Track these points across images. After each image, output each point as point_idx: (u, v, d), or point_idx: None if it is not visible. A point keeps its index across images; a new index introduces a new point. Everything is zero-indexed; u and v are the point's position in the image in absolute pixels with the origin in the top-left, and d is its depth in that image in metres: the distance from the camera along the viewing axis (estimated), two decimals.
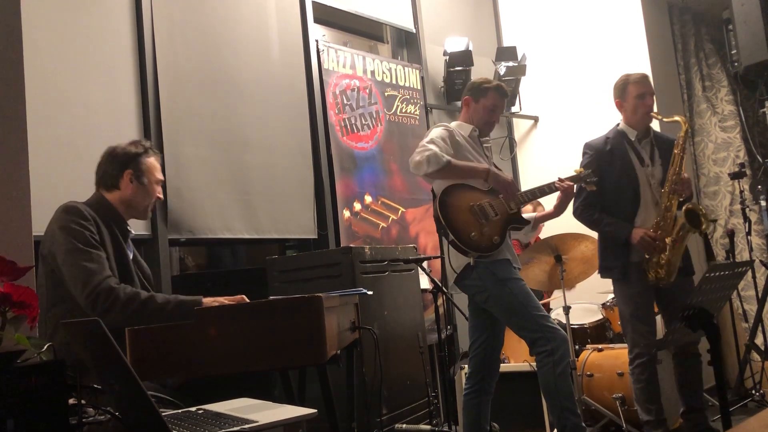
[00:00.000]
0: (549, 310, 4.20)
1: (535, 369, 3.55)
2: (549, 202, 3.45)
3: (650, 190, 3.31)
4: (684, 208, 3.18)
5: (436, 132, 3.03)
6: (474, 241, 2.88)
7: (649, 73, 4.79)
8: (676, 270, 3.22)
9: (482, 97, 3.12)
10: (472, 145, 3.08)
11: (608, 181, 3.31)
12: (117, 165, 2.44)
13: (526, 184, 5.09)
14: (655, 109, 3.39)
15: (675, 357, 3.35)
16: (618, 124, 3.43)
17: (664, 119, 3.38)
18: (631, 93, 3.35)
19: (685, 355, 3.30)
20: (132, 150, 2.48)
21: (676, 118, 3.32)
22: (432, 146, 2.90)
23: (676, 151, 3.25)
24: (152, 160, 2.48)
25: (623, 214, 3.30)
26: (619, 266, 3.29)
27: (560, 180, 3.09)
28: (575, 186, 3.16)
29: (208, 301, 2.26)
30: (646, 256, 3.22)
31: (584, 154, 3.42)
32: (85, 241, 2.22)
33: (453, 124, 3.15)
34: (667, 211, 3.23)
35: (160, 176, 2.51)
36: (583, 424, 2.86)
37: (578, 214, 3.39)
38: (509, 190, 2.98)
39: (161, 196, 2.53)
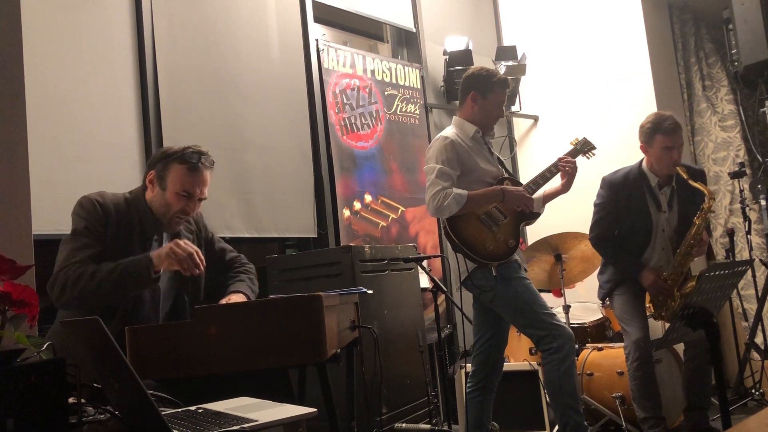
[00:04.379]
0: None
1: (535, 368, 3.57)
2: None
3: (662, 234, 3.34)
4: (700, 274, 3.21)
5: (437, 155, 2.91)
6: (491, 251, 2.88)
7: (649, 73, 4.84)
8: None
9: (491, 92, 3.01)
10: (476, 149, 3.00)
11: (623, 220, 3.36)
12: (149, 162, 2.37)
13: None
14: (681, 162, 3.27)
15: (687, 352, 3.36)
16: (641, 162, 3.38)
17: (690, 181, 3.17)
18: (658, 143, 3.23)
19: (699, 353, 3.28)
20: (169, 151, 2.33)
21: (700, 187, 3.18)
22: (444, 184, 2.84)
23: (697, 222, 3.20)
24: (182, 168, 2.27)
25: (632, 251, 3.36)
26: (609, 287, 3.43)
27: (561, 159, 3.06)
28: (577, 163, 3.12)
29: (156, 255, 2.15)
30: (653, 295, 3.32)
31: (601, 188, 3.43)
32: (79, 229, 2.18)
33: (453, 128, 3.05)
34: (680, 267, 3.27)
35: (187, 188, 2.28)
36: (586, 423, 2.86)
37: (594, 244, 3.46)
38: (523, 202, 2.93)
39: (189, 210, 2.31)
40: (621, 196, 3.33)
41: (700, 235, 3.24)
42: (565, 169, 3.04)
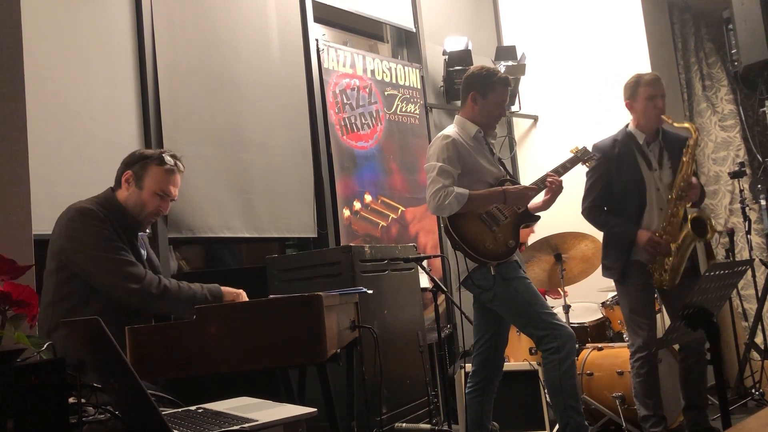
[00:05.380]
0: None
1: (535, 368, 3.57)
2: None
3: (657, 194, 3.32)
4: (690, 216, 3.19)
5: (438, 153, 2.92)
6: (490, 250, 2.88)
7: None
8: (680, 275, 3.23)
9: (491, 92, 3.01)
10: (477, 149, 3.01)
11: (615, 185, 3.35)
12: (125, 163, 2.44)
13: (525, 183, 5.09)
14: (666, 112, 3.33)
15: (680, 352, 3.36)
16: (627, 125, 3.41)
17: (675, 124, 3.30)
18: (641, 94, 3.31)
19: (691, 352, 3.29)
20: (147, 153, 2.45)
21: (686, 125, 3.29)
22: (446, 182, 2.84)
23: (684, 159, 3.24)
24: (160, 170, 2.39)
25: (629, 216, 3.32)
26: (619, 266, 3.33)
27: (548, 176, 3.05)
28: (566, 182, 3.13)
29: (227, 290, 2.39)
30: (651, 258, 3.25)
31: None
32: (112, 238, 2.27)
33: (455, 127, 3.06)
34: (672, 217, 3.25)
35: (164, 189, 2.41)
36: (586, 423, 2.86)
37: (586, 215, 3.43)
38: (525, 200, 2.96)
39: (162, 210, 2.44)
40: (611, 158, 3.33)
41: (690, 176, 3.24)
42: (552, 186, 3.03)
